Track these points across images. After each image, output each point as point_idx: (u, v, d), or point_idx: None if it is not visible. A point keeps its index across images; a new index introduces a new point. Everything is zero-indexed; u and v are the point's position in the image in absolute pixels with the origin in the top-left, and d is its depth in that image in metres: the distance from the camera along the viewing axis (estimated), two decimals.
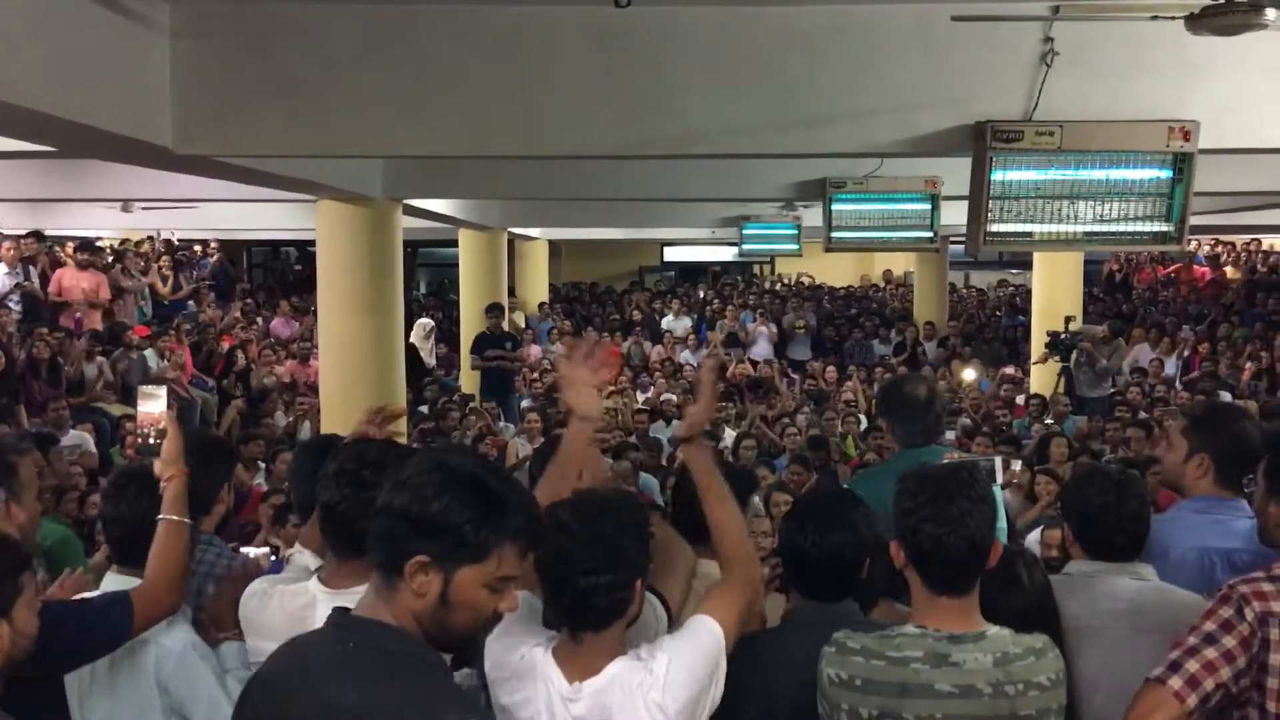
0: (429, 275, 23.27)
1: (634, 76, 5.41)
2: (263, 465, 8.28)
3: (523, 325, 15.79)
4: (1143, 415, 10.61)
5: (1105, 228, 5.25)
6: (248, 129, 5.29)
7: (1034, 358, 13.19)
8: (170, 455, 2.69)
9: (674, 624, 2.50)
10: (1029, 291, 14.59)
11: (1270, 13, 3.70)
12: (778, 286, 20.54)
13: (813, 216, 12.44)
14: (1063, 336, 12.34)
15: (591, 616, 2.21)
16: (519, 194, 10.82)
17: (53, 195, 10.41)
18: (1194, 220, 5.56)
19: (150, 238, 14.97)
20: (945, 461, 3.09)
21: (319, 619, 2.40)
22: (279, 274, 19.56)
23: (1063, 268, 12.87)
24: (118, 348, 10.82)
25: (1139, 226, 5.25)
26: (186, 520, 2.63)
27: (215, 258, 16.59)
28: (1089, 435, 10.29)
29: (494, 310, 13.40)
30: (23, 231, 12.10)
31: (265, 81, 5.26)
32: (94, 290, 11.58)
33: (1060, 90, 5.07)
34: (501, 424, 11.57)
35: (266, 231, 16.44)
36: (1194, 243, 16.33)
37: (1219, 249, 17.13)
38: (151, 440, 2.77)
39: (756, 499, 6.71)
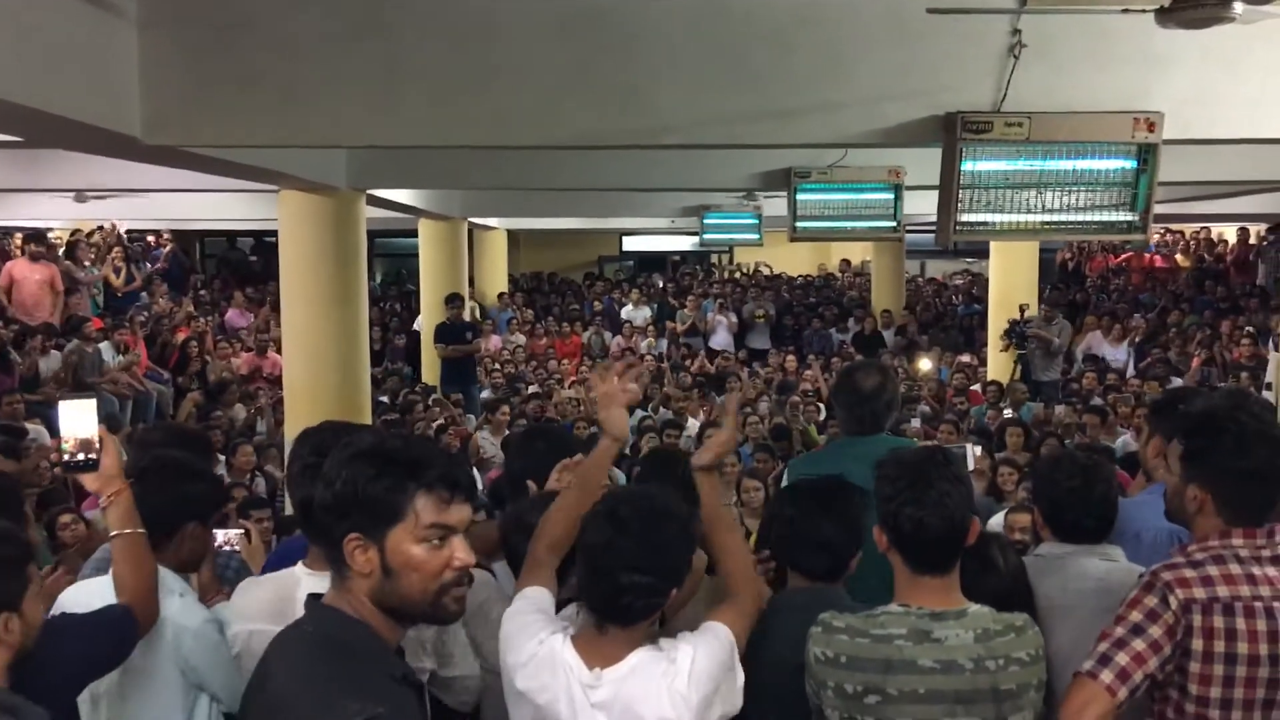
0: (386, 265, 23.10)
1: (604, 67, 5.40)
2: (222, 458, 8.21)
3: (480, 316, 15.71)
4: (1097, 401, 10.82)
5: (1072, 217, 5.32)
6: (217, 119, 5.22)
7: (991, 345, 13.40)
8: (112, 470, 2.63)
9: (670, 619, 2.55)
10: (985, 280, 14.80)
11: (1238, 6, 3.77)
12: (737, 275, 20.62)
13: (773, 206, 12.53)
14: (1020, 325, 12.56)
15: (624, 613, 2.25)
16: (482, 184, 10.77)
17: (6, 185, 10.19)
18: None
19: (101, 227, 14.74)
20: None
21: (300, 596, 2.47)
22: (234, 265, 19.30)
23: (1019, 257, 13.05)
24: (70, 340, 10.65)
25: (1105, 216, 5.32)
26: (141, 530, 2.61)
27: (169, 248, 16.38)
28: (1045, 421, 10.46)
29: (454, 300, 13.34)
30: None
31: (234, 72, 5.20)
32: (47, 282, 11.39)
33: (1028, 82, 5.13)
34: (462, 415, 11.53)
35: (222, 222, 16.24)
36: None
37: (1169, 237, 17.43)
38: (81, 458, 2.60)
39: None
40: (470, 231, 15.63)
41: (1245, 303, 14.66)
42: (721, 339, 16.32)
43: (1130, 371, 13.31)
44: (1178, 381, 11.88)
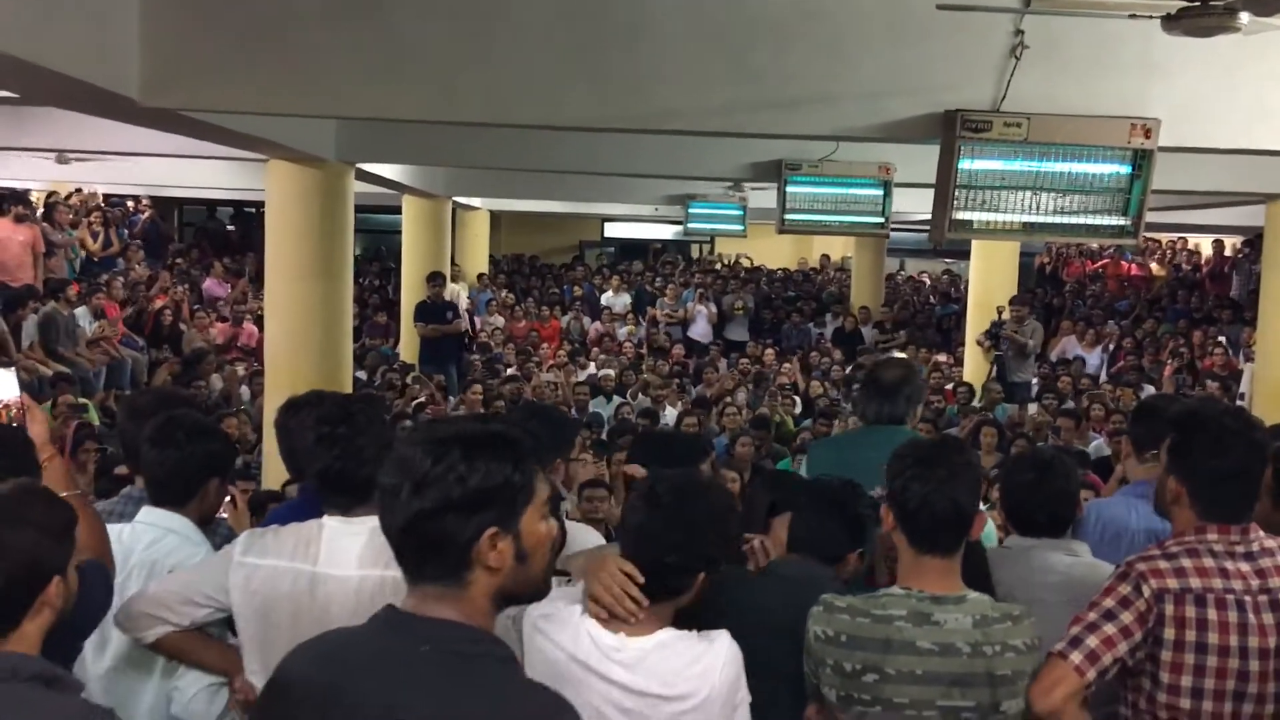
0: (365, 241, 22.95)
1: (606, 52, 5.39)
2: None
3: (464, 295, 15.65)
4: (1069, 405, 10.93)
5: (1065, 219, 5.37)
6: (215, 83, 5.17)
7: (968, 345, 13.51)
8: (41, 437, 2.67)
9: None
10: (964, 281, 14.90)
11: (1244, 16, 3.81)
12: (717, 266, 20.66)
13: (758, 198, 12.56)
14: (998, 325, 12.69)
15: (654, 591, 2.26)
16: (470, 162, 10.72)
17: None
18: None
19: (79, 190, 14.57)
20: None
21: (326, 541, 2.51)
22: (212, 235, 19.13)
23: (999, 258, 13.17)
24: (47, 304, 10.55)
25: (1097, 220, 5.38)
26: (79, 491, 2.65)
27: (146, 214, 16.21)
28: (1019, 423, 10.57)
29: (436, 279, 13.30)
30: None
31: (235, 36, 5.15)
32: (29, 244, 11.26)
33: (1028, 83, 5.16)
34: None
35: (203, 190, 16.08)
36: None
37: (1146, 245, 17.60)
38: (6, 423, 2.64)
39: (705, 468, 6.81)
40: (453, 211, 15.57)
41: (1218, 314, 14.83)
42: (701, 329, 16.35)
43: (1103, 377, 13.44)
44: (1149, 389, 12.03)
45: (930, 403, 11.57)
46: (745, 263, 20.99)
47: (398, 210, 14.27)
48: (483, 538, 1.69)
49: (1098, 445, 9.39)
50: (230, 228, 19.55)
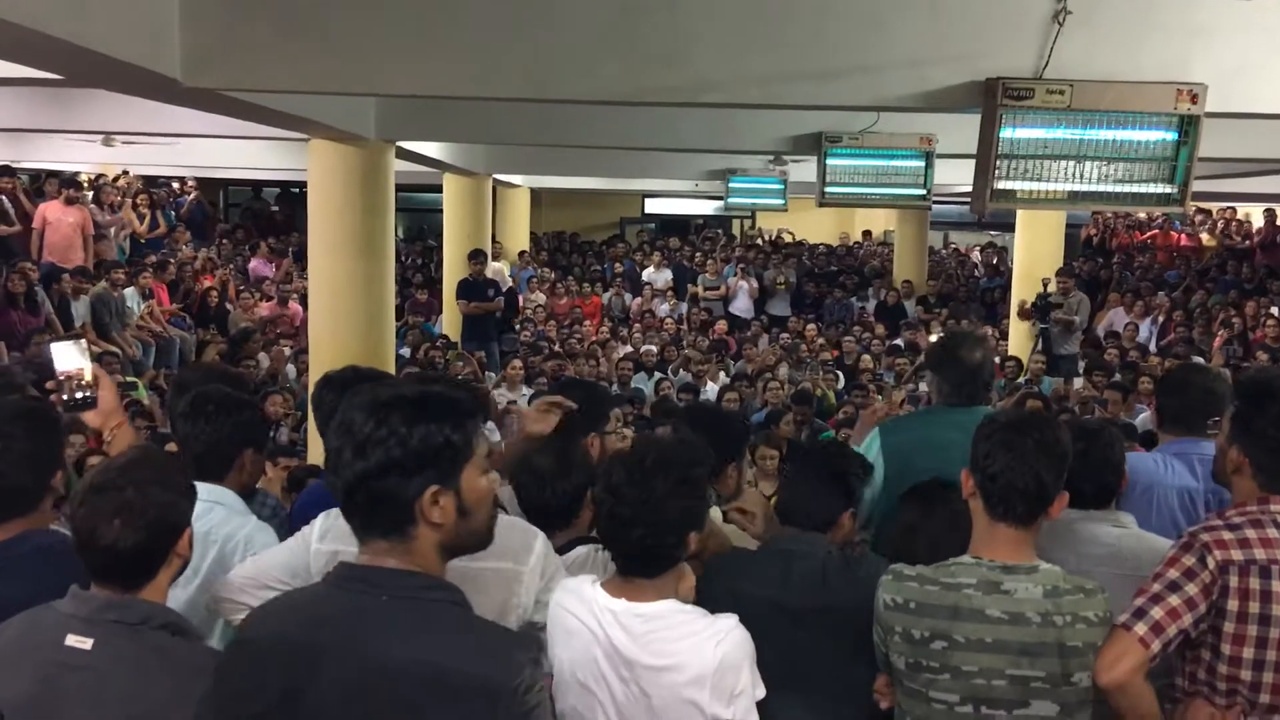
0: (407, 220, 23.09)
1: (642, 24, 5.36)
2: None
3: (506, 273, 15.71)
4: (1118, 378, 10.78)
5: (1110, 188, 5.28)
6: (255, 63, 5.21)
7: (1012, 319, 13.36)
8: (109, 405, 2.78)
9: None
10: (1009, 253, 14.70)
11: None
12: (759, 241, 20.56)
13: (798, 171, 12.47)
14: (1044, 298, 12.53)
15: (642, 566, 2.30)
16: (509, 139, 10.74)
17: (35, 125, 10.21)
18: None
19: (125, 173, 14.77)
20: None
21: None
22: (257, 215, 19.32)
23: (1044, 230, 12.97)
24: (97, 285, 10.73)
25: (1143, 188, 5.29)
26: None
27: (192, 196, 16.40)
28: (1065, 396, 10.45)
29: (477, 256, 13.35)
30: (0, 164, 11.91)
31: (274, 15, 5.18)
32: (79, 226, 11.45)
33: (1071, 49, 5.08)
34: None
35: (248, 171, 16.24)
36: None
37: (1196, 216, 17.28)
38: (80, 396, 2.74)
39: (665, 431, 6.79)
40: (494, 189, 15.61)
41: (1270, 284, 14.55)
42: (742, 304, 16.30)
43: (1152, 349, 13.24)
44: (1199, 361, 11.83)
45: None
46: (787, 237, 20.87)
47: (440, 189, 14.34)
48: (425, 495, 1.76)
49: (1144, 418, 9.26)
50: (275, 208, 19.73)
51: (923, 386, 10.03)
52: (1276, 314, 12.98)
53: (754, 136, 9.64)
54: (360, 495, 1.76)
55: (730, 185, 13.57)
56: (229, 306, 13.01)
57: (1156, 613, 2.34)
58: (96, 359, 9.43)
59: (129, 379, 9.31)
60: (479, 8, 5.29)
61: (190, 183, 16.74)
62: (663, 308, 16.12)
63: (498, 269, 14.90)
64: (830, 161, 8.77)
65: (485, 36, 5.29)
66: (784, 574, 2.62)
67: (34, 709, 1.98)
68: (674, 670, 2.20)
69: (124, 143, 12.09)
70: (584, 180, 17.60)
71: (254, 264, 15.39)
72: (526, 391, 9.83)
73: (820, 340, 13.81)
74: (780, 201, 13.43)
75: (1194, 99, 5.03)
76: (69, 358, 2.75)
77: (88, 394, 2.73)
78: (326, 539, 2.56)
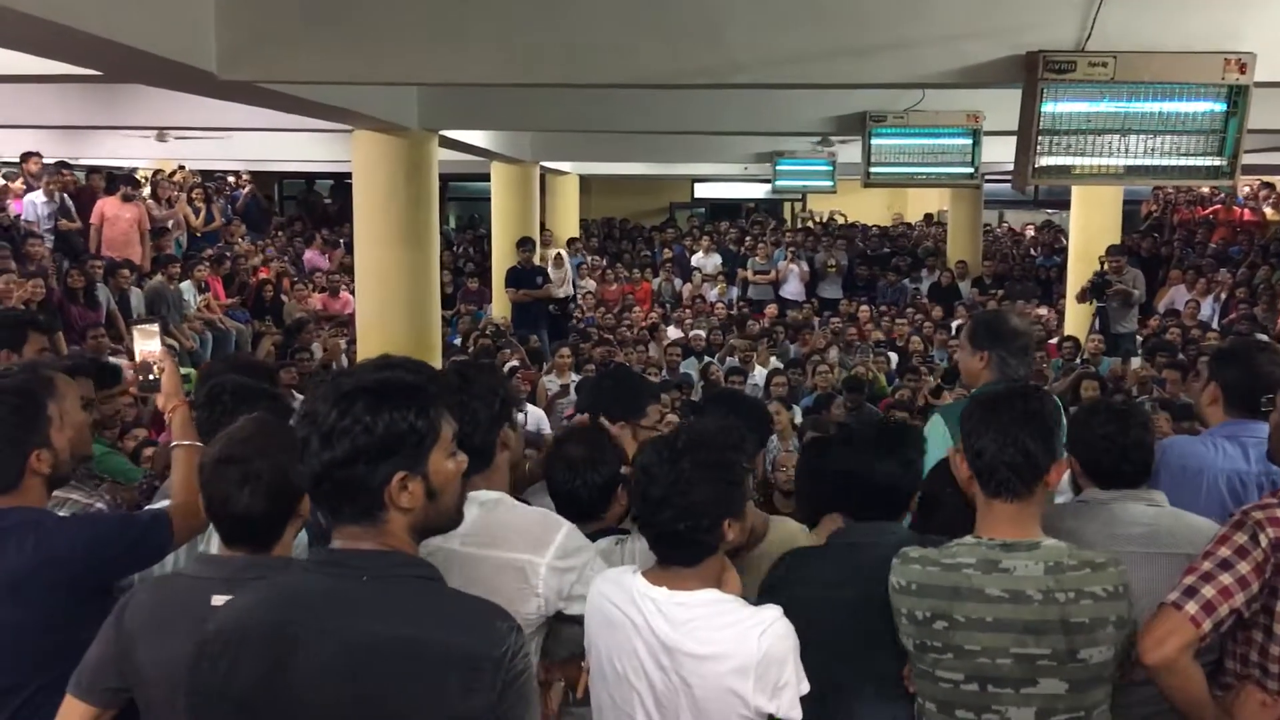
0: (459, 209, 23.23)
1: (677, 6, 5.35)
2: (299, 396, 8.36)
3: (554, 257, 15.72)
4: (1180, 358, 10.54)
5: (1156, 162, 5.17)
6: (291, 54, 5.27)
7: (1069, 298, 13.11)
8: (170, 387, 2.89)
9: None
10: (1064, 231, 14.40)
11: None
12: (809, 224, 20.39)
13: (847, 153, 12.34)
14: (1101, 276, 12.27)
15: (679, 553, 2.26)
16: (553, 126, 10.75)
17: (89, 122, 10.41)
18: None
19: (181, 167, 15.00)
20: None
21: None
22: (311, 207, 19.55)
23: (1101, 207, 12.70)
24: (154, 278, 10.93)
25: (1190, 161, 5.17)
26: (199, 444, 2.72)
27: (247, 189, 16.61)
28: (1122, 377, 10.25)
29: (525, 244, 13.39)
30: (57, 159, 12.15)
31: (309, 7, 5.24)
32: (136, 221, 11.67)
33: (1114, 20, 4.97)
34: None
35: (300, 163, 16.43)
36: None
37: (1261, 192, 16.81)
38: (152, 377, 2.89)
39: (774, 440, 6.74)
40: (542, 176, 15.63)
41: None
42: (793, 288, 16.19)
43: (1214, 326, 12.93)
44: (1263, 339, 11.52)
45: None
46: (839, 219, 20.68)
47: (490, 178, 14.40)
48: (393, 481, 1.78)
49: None
50: (328, 200, 19.94)
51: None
52: None
53: (798, 118, 9.55)
54: (327, 484, 1.79)
55: (777, 168, 13.47)
56: (284, 298, 13.18)
57: (1208, 591, 2.28)
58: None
59: (184, 370, 9.44)
60: None
61: (244, 176, 16.97)
62: (712, 293, 16.06)
63: (556, 255, 14.91)
64: (875, 141, 8.66)
65: (517, 23, 5.30)
66: (853, 567, 2.58)
67: None
68: (716, 659, 2.17)
69: (177, 138, 12.28)
70: (631, 166, 17.58)
71: (308, 255, 15.59)
72: (575, 378, 9.85)
73: (870, 325, 13.67)
74: (829, 183, 13.30)
75: (1242, 68, 4.90)
76: (148, 341, 2.92)
77: (156, 376, 2.88)
78: None
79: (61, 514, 2.71)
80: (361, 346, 8.97)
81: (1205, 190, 16.78)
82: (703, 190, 23.55)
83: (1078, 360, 11.03)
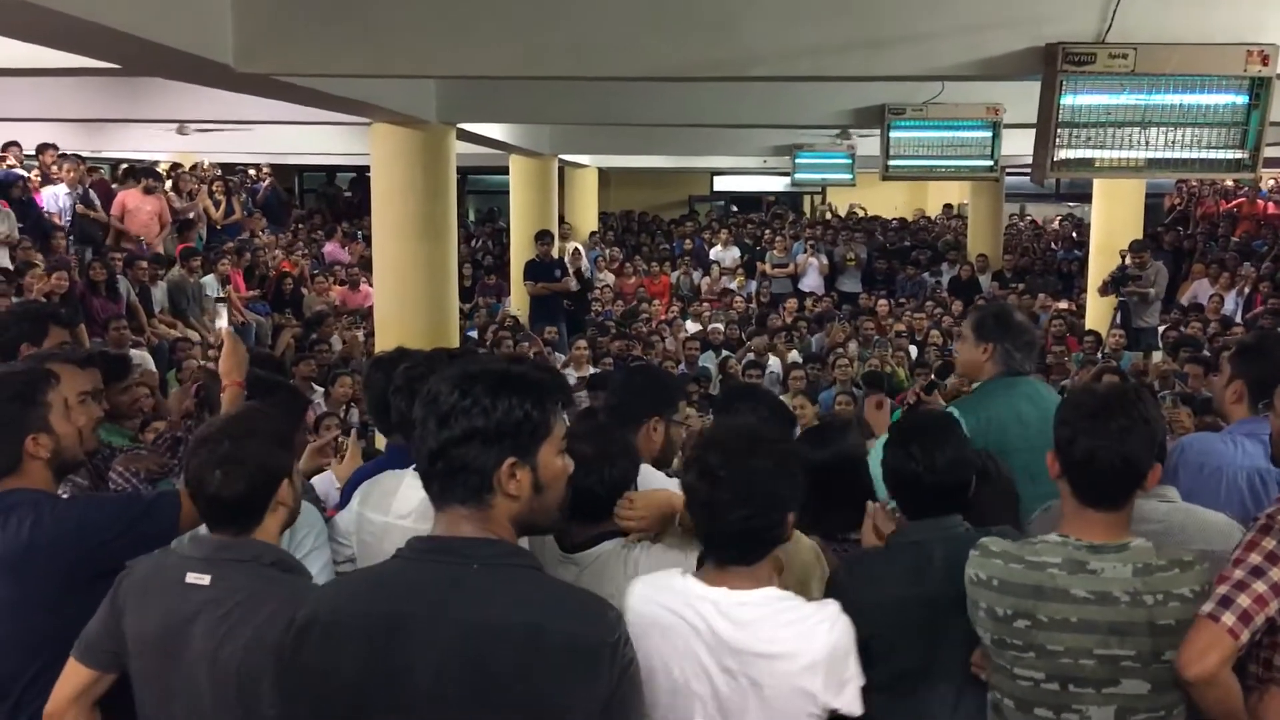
0: (478, 202, 23.27)
1: None
2: (319, 389, 8.40)
3: (571, 251, 15.72)
4: (1204, 353, 10.44)
5: (1177, 154, 5.11)
6: (307, 47, 5.27)
7: (1090, 292, 13.00)
8: (227, 366, 3.01)
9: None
10: (1086, 224, 14.28)
11: None
12: (828, 217, 20.31)
13: (867, 146, 12.28)
14: (1123, 271, 12.16)
15: (741, 553, 2.23)
16: (570, 119, 10.73)
17: (110, 115, 10.47)
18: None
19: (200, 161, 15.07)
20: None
21: (401, 491, 2.67)
22: (331, 200, 19.61)
23: (1123, 200, 12.58)
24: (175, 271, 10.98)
25: (1212, 154, 5.10)
26: None
27: (267, 182, 16.67)
28: (1144, 371, 10.17)
29: (544, 237, 13.38)
30: (83, 153, 12.22)
31: (322, 1, 5.23)
32: (157, 214, 11.73)
33: (1134, 11, 4.91)
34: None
35: (319, 156, 16.47)
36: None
37: None
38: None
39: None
40: (561, 169, 15.62)
41: None
42: (812, 281, 16.14)
43: (1238, 320, 12.81)
44: None
45: (1051, 352, 11.22)
46: (859, 212, 20.59)
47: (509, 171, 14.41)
48: (503, 466, 1.83)
49: None
50: (348, 193, 20.00)
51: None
52: None
53: (817, 111, 9.49)
54: (441, 462, 1.83)
55: (796, 161, 13.43)
56: (304, 291, 13.22)
57: (1243, 601, 2.22)
58: (171, 347, 9.77)
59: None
60: None
61: (265, 169, 17.03)
62: (730, 286, 16.02)
63: (573, 248, 14.88)
64: (894, 134, 8.61)
65: (530, 16, 5.28)
66: (918, 566, 2.55)
67: (164, 639, 2.21)
68: (787, 658, 2.15)
69: (198, 130, 12.33)
70: (650, 159, 17.55)
71: (328, 248, 15.64)
72: (592, 371, 9.85)
73: (889, 319, 13.60)
74: (848, 176, 13.26)
75: (1265, 60, 4.84)
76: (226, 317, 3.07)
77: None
78: (364, 506, 2.76)
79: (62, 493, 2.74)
80: (379, 339, 8.98)
81: (1230, 183, 16.62)
82: (722, 183, 23.51)
83: (1099, 355, 10.96)
